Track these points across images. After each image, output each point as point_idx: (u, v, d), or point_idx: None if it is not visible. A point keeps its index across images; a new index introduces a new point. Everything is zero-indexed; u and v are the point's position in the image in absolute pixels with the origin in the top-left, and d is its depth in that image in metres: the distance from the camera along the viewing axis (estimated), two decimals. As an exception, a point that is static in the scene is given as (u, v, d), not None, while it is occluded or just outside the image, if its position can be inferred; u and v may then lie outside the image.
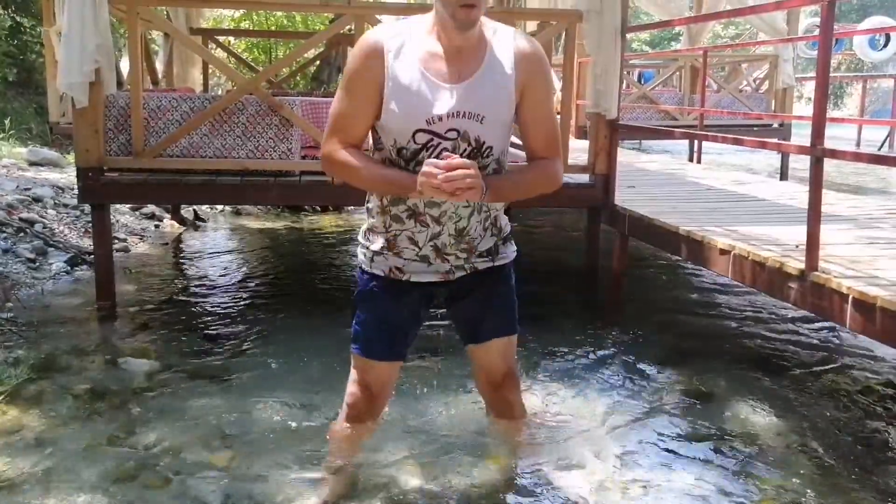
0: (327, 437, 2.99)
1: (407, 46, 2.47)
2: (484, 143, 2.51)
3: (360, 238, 2.74)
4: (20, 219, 6.33)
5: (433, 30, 2.47)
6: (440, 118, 2.46)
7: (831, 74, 3.65)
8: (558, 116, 6.06)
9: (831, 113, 26.18)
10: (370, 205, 2.67)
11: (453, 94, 2.46)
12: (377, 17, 4.94)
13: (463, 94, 2.47)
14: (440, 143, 2.47)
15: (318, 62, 11.32)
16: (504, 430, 3.00)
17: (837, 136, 14.08)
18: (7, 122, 9.73)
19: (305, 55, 9.53)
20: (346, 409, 2.81)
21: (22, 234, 6.06)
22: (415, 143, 2.46)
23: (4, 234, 5.93)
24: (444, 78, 2.47)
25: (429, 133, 2.46)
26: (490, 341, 2.77)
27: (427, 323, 2.87)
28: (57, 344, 4.27)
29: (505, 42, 2.52)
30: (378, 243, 2.65)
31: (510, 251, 2.76)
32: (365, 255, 2.70)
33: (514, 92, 2.52)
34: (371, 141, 2.63)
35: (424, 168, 2.37)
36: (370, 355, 2.72)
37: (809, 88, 22.86)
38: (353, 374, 2.78)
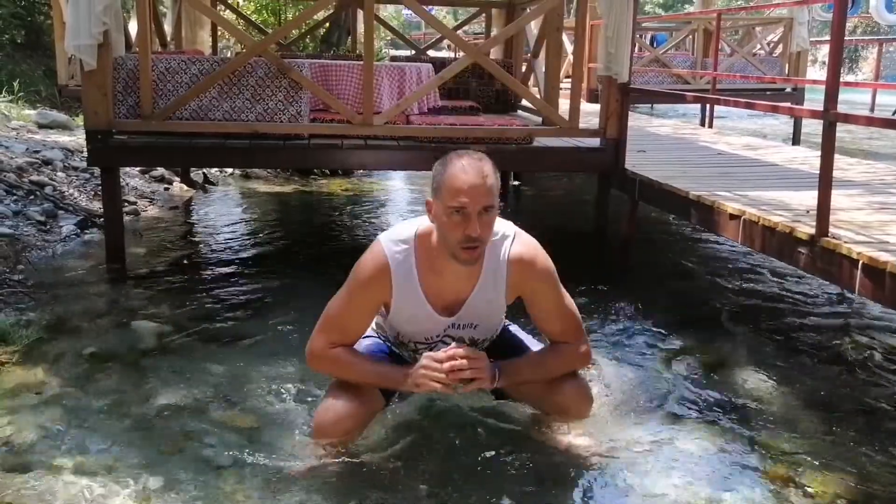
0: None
1: (412, 273, 2.65)
2: (478, 340, 2.81)
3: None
4: (30, 181, 6.34)
5: (437, 253, 2.62)
6: (438, 335, 2.76)
7: (846, 38, 3.61)
8: (568, 81, 6.03)
9: (846, 77, 25.92)
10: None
11: (451, 321, 2.74)
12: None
13: (458, 318, 2.73)
14: (437, 343, 2.76)
15: (327, 24, 11.22)
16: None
17: (852, 101, 13.95)
18: (16, 84, 9.71)
19: (315, 17, 9.46)
20: (315, 423, 2.81)
21: (32, 197, 6.07)
22: (414, 345, 2.80)
23: (15, 197, 5.94)
24: (444, 308, 2.71)
25: (431, 352, 2.70)
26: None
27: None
28: (68, 306, 4.29)
29: (500, 250, 2.68)
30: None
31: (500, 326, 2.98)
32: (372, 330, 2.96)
33: (505, 300, 2.77)
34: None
35: (423, 361, 2.59)
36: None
37: (824, 52, 22.61)
38: (330, 388, 2.86)
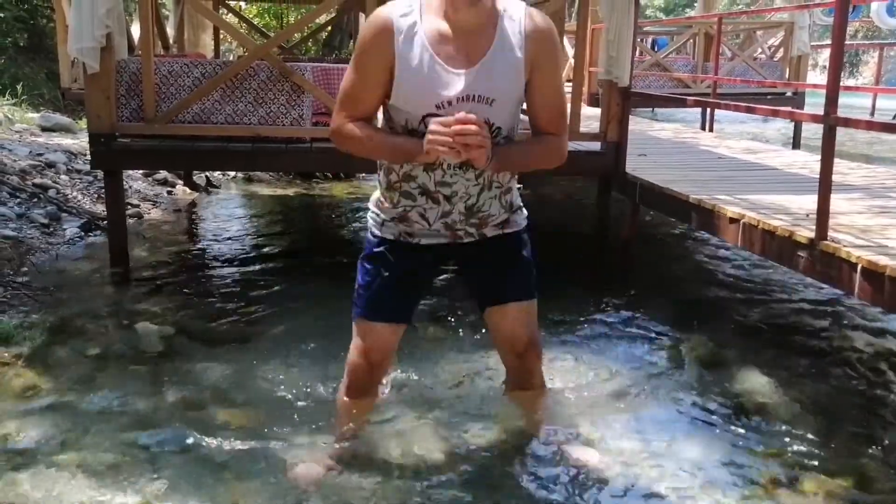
0: (335, 404, 3.02)
1: (417, 27, 2.45)
2: (493, 124, 2.50)
3: (370, 205, 2.75)
4: (34, 184, 6.37)
5: (443, 6, 2.44)
6: (449, 103, 2.44)
7: (847, 42, 3.63)
8: (569, 85, 6.05)
9: (847, 81, 25.92)
10: (381, 178, 2.68)
11: (463, 79, 2.45)
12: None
13: (472, 78, 2.45)
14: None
15: (329, 28, 11.26)
16: (518, 399, 3.02)
17: (852, 105, 13.95)
18: (19, 87, 9.74)
19: (317, 21, 9.49)
20: (347, 379, 2.83)
21: (36, 200, 6.10)
22: (425, 126, 2.43)
23: (18, 200, 5.97)
24: (454, 62, 2.45)
25: (439, 117, 2.42)
26: (506, 305, 2.76)
27: (441, 287, 2.88)
28: (71, 308, 4.31)
29: (515, 19, 2.49)
30: (388, 213, 2.67)
31: (520, 220, 2.77)
32: (375, 220, 2.71)
33: (523, 72, 2.51)
34: (383, 119, 2.64)
35: (431, 126, 2.37)
36: (372, 317, 2.72)
37: (825, 56, 22.61)
38: (354, 341, 2.79)
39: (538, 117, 2.62)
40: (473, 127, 2.32)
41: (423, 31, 2.45)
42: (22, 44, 11.30)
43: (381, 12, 2.50)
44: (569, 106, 5.37)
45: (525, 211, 2.79)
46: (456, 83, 2.45)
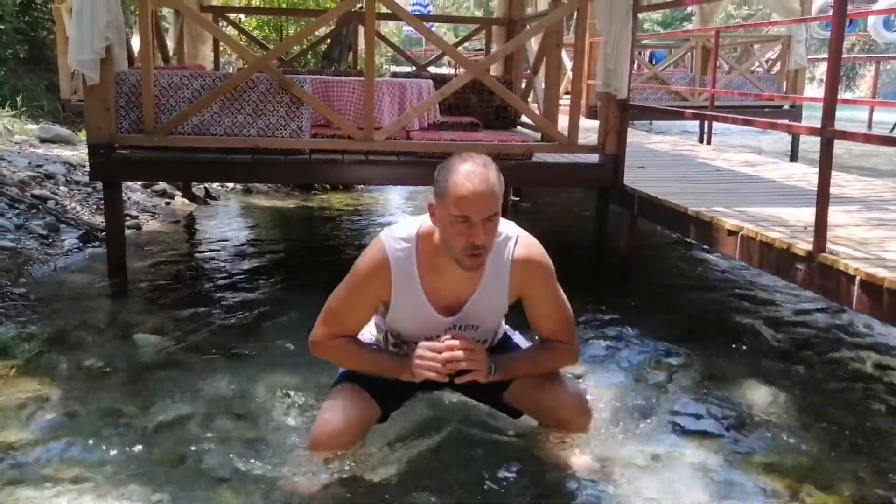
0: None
1: (413, 272, 2.62)
2: (478, 340, 2.72)
3: (372, 327, 2.91)
4: (32, 195, 6.37)
5: (439, 255, 2.59)
6: (438, 336, 2.66)
7: (844, 56, 3.64)
8: (567, 97, 6.06)
9: (844, 95, 25.99)
10: (376, 321, 2.88)
11: (452, 321, 2.69)
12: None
13: (459, 319, 2.70)
14: None
15: (328, 40, 11.28)
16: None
17: (850, 118, 14.00)
18: (18, 99, 9.75)
19: (316, 33, 9.51)
20: (311, 436, 2.80)
21: (34, 211, 6.10)
22: (416, 350, 2.64)
23: (17, 211, 5.97)
24: (445, 311, 2.67)
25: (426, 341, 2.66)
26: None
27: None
28: (69, 319, 4.31)
29: (504, 252, 2.66)
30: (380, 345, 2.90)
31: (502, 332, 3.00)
32: (372, 336, 2.91)
33: (507, 300, 2.74)
34: (377, 316, 2.85)
35: (419, 351, 2.56)
36: (357, 382, 2.80)
37: (822, 70, 22.70)
38: (328, 399, 2.84)
39: (542, 329, 2.81)
40: (461, 353, 2.53)
41: (419, 278, 2.63)
42: (22, 55, 11.31)
43: (380, 250, 2.65)
44: (567, 118, 5.42)
45: (504, 322, 2.99)
46: (446, 324, 2.69)
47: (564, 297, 2.81)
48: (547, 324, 2.78)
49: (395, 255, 2.61)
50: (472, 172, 2.44)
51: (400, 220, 2.78)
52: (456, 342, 2.56)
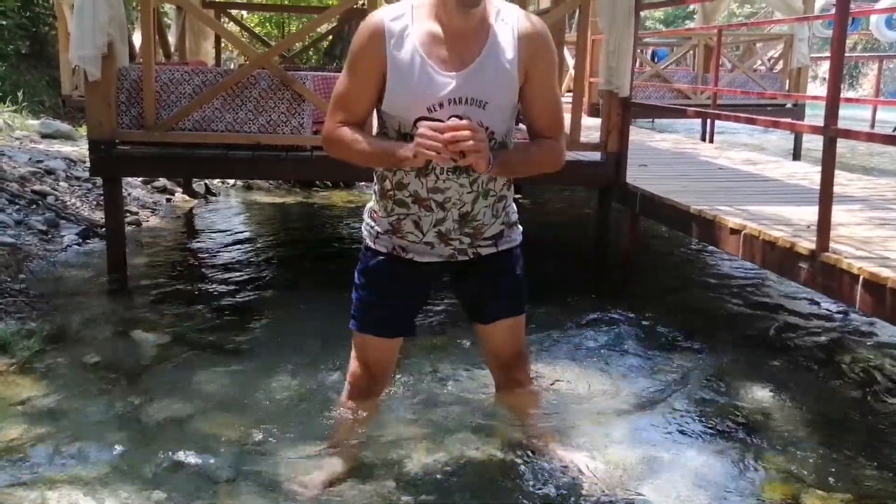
0: (334, 413, 3.01)
1: (408, 30, 2.43)
2: (487, 128, 2.45)
3: (365, 215, 2.75)
4: (33, 191, 6.36)
5: (436, 10, 2.43)
6: (441, 105, 2.42)
7: (847, 54, 3.62)
8: (569, 95, 6.05)
9: (847, 93, 25.95)
10: (375, 187, 2.67)
11: (454, 81, 2.42)
12: (390, -9, 4.93)
13: (464, 81, 2.43)
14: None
15: (330, 37, 11.28)
16: (510, 404, 3.02)
17: (852, 117, 13.97)
18: (20, 94, 9.74)
19: (318, 30, 9.49)
20: (348, 386, 2.86)
21: (34, 207, 6.09)
22: (418, 130, 2.38)
23: (17, 206, 5.96)
24: (446, 65, 2.43)
25: (431, 121, 2.38)
26: (496, 322, 2.79)
27: (436, 299, 2.87)
28: (69, 316, 4.30)
29: (508, 23, 2.47)
30: (382, 225, 2.66)
31: (515, 235, 2.77)
32: (369, 233, 2.72)
33: (517, 76, 2.48)
34: (377, 126, 2.62)
35: (420, 130, 2.33)
36: (368, 331, 2.75)
37: (824, 68, 22.65)
38: (353, 352, 2.81)
39: (536, 121, 2.61)
40: (466, 133, 2.29)
41: (415, 34, 2.43)
42: (24, 51, 11.30)
43: (373, 17, 2.49)
44: (569, 116, 5.40)
45: (520, 227, 2.80)
46: (447, 85, 2.43)
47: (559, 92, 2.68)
48: (543, 113, 2.59)
49: (390, 21, 2.45)
50: None
51: None
52: (462, 122, 2.33)
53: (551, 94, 2.59)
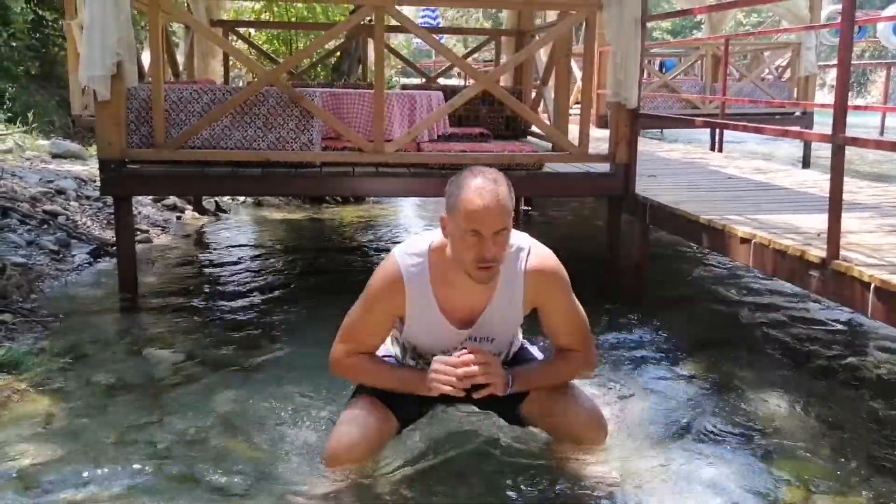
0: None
1: (425, 279, 2.64)
2: (494, 353, 2.74)
3: (389, 341, 2.91)
4: (44, 211, 6.39)
5: (451, 261, 2.59)
6: (454, 348, 2.70)
7: (854, 62, 3.62)
8: (577, 107, 6.06)
9: (855, 101, 25.90)
10: (394, 335, 2.89)
11: (466, 332, 2.71)
12: (396, 7, 4.95)
13: (475, 331, 2.72)
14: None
15: (338, 53, 11.31)
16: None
17: (861, 124, 13.93)
18: (30, 115, 9.81)
19: (326, 46, 9.54)
20: (328, 449, 2.78)
21: (45, 227, 6.12)
22: (432, 365, 2.65)
23: (28, 227, 5.99)
24: (460, 323, 2.69)
25: (443, 356, 2.67)
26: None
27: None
28: (81, 335, 4.31)
29: (517, 263, 2.67)
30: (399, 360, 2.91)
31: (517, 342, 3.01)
32: (389, 351, 2.92)
33: (522, 310, 2.75)
34: (394, 332, 2.86)
35: (434, 365, 2.57)
36: (375, 395, 2.79)
37: (832, 76, 22.63)
38: (345, 411, 2.84)
39: (559, 339, 2.82)
40: (477, 368, 2.54)
41: (432, 287, 2.64)
42: (34, 72, 11.39)
43: (393, 266, 2.66)
44: (577, 127, 5.41)
45: (520, 333, 2.99)
46: (461, 337, 2.71)
47: (579, 306, 2.82)
48: (563, 334, 2.79)
49: (409, 271, 2.63)
50: (482, 187, 2.46)
51: (412, 236, 2.81)
52: (471, 356, 2.56)
53: (569, 315, 2.78)
